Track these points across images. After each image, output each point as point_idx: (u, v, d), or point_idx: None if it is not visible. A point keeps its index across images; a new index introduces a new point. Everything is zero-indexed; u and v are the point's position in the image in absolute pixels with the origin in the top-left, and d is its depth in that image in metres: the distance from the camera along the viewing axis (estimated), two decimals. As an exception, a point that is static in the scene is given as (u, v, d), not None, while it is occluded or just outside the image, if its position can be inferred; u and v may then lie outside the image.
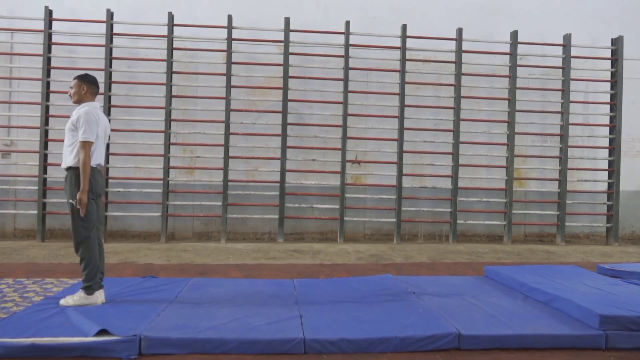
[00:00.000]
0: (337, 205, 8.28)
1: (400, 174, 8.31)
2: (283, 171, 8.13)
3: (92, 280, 3.88)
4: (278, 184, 8.16)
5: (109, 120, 7.88)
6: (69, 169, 3.91)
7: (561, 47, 8.72)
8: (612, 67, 8.83)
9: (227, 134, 8.07)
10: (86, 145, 3.82)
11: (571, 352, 3.26)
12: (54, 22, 8.02)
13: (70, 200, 3.87)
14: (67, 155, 3.92)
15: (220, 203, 8.10)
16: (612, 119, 8.81)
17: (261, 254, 6.96)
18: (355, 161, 8.54)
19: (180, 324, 3.36)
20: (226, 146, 8.06)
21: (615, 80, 8.75)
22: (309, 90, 8.40)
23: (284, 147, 8.14)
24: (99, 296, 3.89)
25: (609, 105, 8.86)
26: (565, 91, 8.62)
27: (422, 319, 3.56)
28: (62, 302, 3.82)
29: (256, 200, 8.26)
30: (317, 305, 3.91)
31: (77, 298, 3.83)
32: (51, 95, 7.98)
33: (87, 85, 4.10)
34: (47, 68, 7.89)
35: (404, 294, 4.31)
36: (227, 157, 8.06)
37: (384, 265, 6.17)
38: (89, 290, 3.86)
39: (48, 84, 7.91)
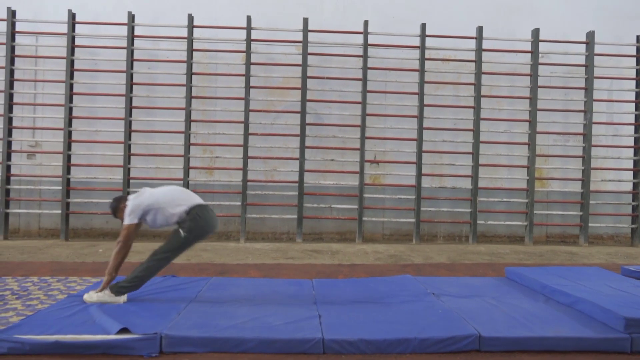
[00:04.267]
0: (356, 205, 8.26)
1: (419, 174, 8.25)
2: (301, 171, 8.14)
3: (132, 285, 3.94)
4: (297, 184, 8.18)
5: (130, 121, 8.04)
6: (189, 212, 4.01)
7: (584, 45, 8.55)
8: (637, 64, 8.63)
9: (246, 134, 8.12)
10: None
11: (595, 356, 3.19)
12: (76, 25, 8.17)
13: (182, 231, 3.96)
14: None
15: (239, 203, 8.15)
16: (637, 117, 8.61)
17: (280, 254, 6.99)
18: (374, 161, 8.52)
19: (200, 323, 3.39)
20: (245, 146, 8.11)
21: (641, 78, 8.56)
22: (327, 90, 8.40)
23: (302, 147, 8.15)
24: (123, 297, 3.95)
25: (634, 104, 8.66)
26: (588, 89, 8.46)
27: (442, 320, 3.53)
28: (86, 297, 3.89)
29: (275, 200, 8.29)
30: (336, 306, 3.91)
31: (101, 295, 3.89)
32: (74, 97, 8.13)
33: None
34: (71, 70, 8.04)
35: (423, 295, 4.28)
36: (246, 157, 8.11)
37: (402, 266, 6.14)
38: (120, 291, 3.91)
39: (71, 85, 8.06)
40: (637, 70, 8.62)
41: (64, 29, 8.06)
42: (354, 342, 3.15)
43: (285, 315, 3.61)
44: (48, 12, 8.29)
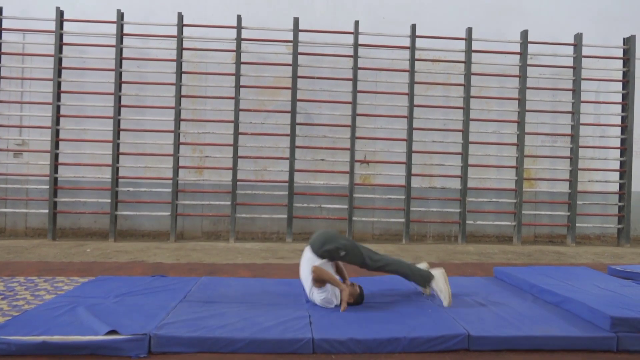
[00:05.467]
0: (346, 205, 8.27)
1: (409, 174, 8.28)
2: (292, 171, 8.13)
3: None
4: (287, 184, 8.17)
5: (119, 120, 7.99)
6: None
7: (572, 47, 8.64)
8: (623, 66, 8.74)
9: (236, 133, 8.09)
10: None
11: (582, 354, 3.23)
12: (65, 23, 8.08)
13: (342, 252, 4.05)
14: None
15: (229, 202, 8.13)
16: (623, 119, 8.72)
17: (270, 254, 6.97)
18: (364, 161, 8.53)
19: (189, 323, 3.37)
20: (235, 146, 8.09)
21: (627, 80, 8.66)
22: (318, 90, 8.40)
23: (292, 147, 8.15)
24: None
25: (620, 105, 8.77)
26: (576, 91, 8.55)
27: (431, 320, 3.55)
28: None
29: (265, 200, 8.27)
30: (326, 305, 3.91)
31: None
32: (62, 95, 8.05)
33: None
34: (58, 68, 7.96)
35: (413, 295, 4.31)
36: (236, 157, 8.09)
37: (392, 266, 6.14)
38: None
39: (59, 84, 7.98)
40: (623, 72, 8.73)
41: (52, 26, 7.97)
42: (344, 341, 3.16)
43: (275, 315, 3.61)
44: (36, 9, 8.18)
